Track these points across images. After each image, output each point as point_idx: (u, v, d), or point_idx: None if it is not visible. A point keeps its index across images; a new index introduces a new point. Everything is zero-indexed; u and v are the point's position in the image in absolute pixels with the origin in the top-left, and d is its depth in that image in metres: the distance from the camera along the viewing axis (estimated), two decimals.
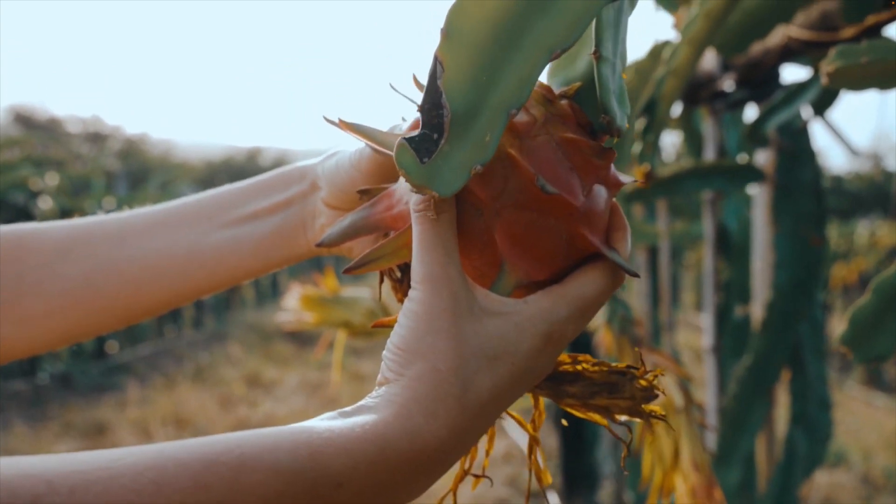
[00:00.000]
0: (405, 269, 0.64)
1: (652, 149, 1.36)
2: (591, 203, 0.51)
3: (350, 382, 6.35)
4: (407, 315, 0.48)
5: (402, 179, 0.56)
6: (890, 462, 4.52)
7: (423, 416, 0.45)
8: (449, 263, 0.48)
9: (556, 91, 0.54)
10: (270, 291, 12.02)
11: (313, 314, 1.57)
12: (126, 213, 0.73)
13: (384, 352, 0.48)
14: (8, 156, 6.53)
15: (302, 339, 8.26)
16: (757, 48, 1.48)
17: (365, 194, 0.59)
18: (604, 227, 0.53)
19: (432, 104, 0.44)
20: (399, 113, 0.54)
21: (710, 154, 1.83)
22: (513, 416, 0.57)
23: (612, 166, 0.54)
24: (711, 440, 1.68)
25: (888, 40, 0.89)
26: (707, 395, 1.84)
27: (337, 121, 0.55)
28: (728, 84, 1.67)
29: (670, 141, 3.47)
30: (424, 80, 0.45)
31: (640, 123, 1.38)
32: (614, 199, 0.55)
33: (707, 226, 1.89)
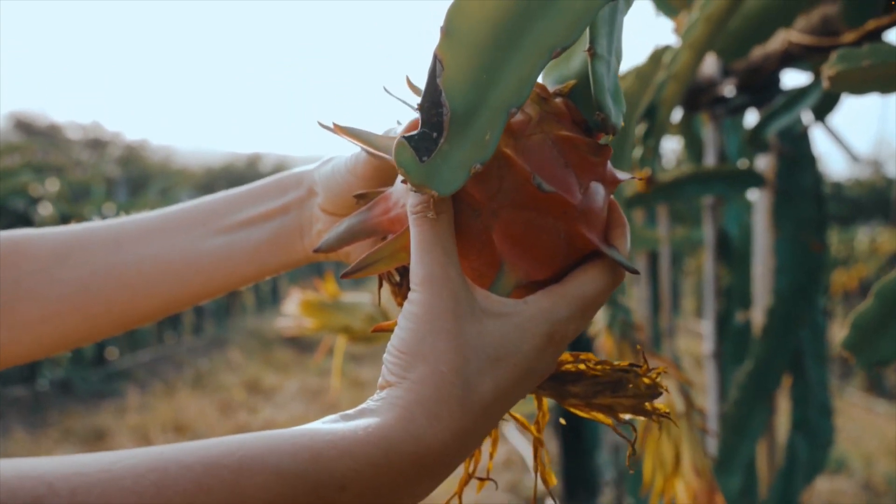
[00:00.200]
0: (404, 272, 0.64)
1: (652, 153, 1.36)
2: (588, 201, 0.51)
3: (350, 389, 6.35)
4: (407, 317, 0.48)
5: (398, 182, 0.56)
6: (891, 469, 4.51)
7: (426, 419, 0.45)
8: (448, 264, 0.47)
9: (551, 89, 0.54)
10: (270, 297, 12.02)
11: (313, 319, 1.57)
12: (122, 219, 0.73)
13: (385, 355, 0.48)
14: (8, 162, 6.54)
15: (302, 345, 8.25)
16: (757, 53, 1.48)
17: (361, 198, 0.59)
18: (602, 225, 0.53)
19: (432, 103, 0.44)
20: (399, 114, 0.54)
21: (710, 159, 1.82)
22: (516, 418, 0.57)
23: (609, 163, 0.54)
24: (712, 446, 1.68)
25: (889, 44, 0.89)
26: (708, 400, 1.84)
27: (332, 125, 0.55)
28: (728, 89, 1.67)
29: (671, 147, 3.48)
30: (419, 82, 0.44)
31: (640, 128, 1.38)
32: (612, 197, 0.54)
33: (707, 231, 1.89)
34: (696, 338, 6.80)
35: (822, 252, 1.58)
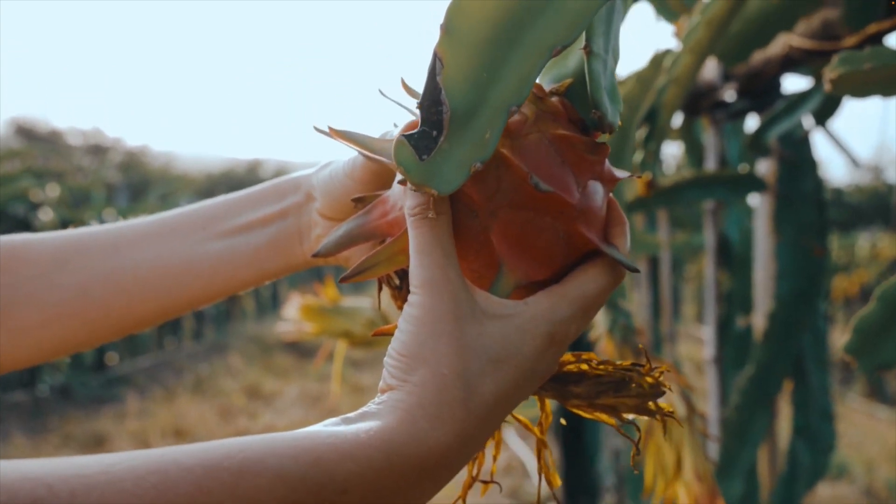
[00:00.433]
0: (403, 275, 0.63)
1: (653, 157, 1.36)
2: (586, 199, 0.51)
3: (350, 394, 6.34)
4: (407, 320, 0.47)
5: (395, 185, 0.55)
6: (892, 474, 4.50)
7: (428, 422, 0.45)
8: (448, 266, 0.47)
9: (547, 88, 0.54)
10: (271, 303, 12.01)
11: (313, 324, 1.57)
12: (121, 224, 0.73)
13: (385, 358, 0.48)
14: (9, 167, 6.54)
15: (302, 350, 8.25)
16: (758, 57, 1.48)
17: (359, 202, 0.58)
18: (601, 223, 0.52)
19: (431, 101, 0.44)
20: (395, 117, 0.53)
21: (711, 164, 1.82)
22: (519, 420, 0.56)
23: (607, 161, 0.54)
24: (714, 451, 1.67)
25: (891, 48, 0.89)
26: (709, 405, 1.83)
27: (328, 129, 0.55)
28: (729, 94, 1.67)
29: (671, 152, 3.48)
30: (415, 84, 0.44)
31: (641, 132, 1.38)
32: (611, 195, 0.54)
33: (708, 236, 1.89)
34: (697, 343, 6.79)
35: (823, 257, 1.58)
